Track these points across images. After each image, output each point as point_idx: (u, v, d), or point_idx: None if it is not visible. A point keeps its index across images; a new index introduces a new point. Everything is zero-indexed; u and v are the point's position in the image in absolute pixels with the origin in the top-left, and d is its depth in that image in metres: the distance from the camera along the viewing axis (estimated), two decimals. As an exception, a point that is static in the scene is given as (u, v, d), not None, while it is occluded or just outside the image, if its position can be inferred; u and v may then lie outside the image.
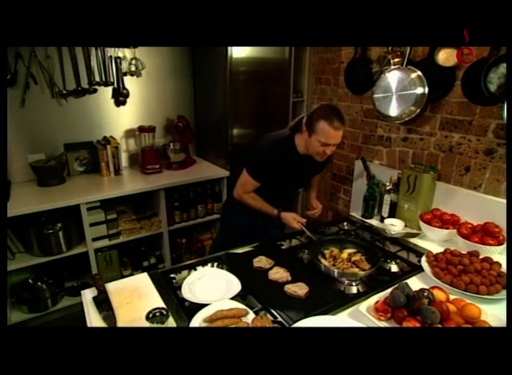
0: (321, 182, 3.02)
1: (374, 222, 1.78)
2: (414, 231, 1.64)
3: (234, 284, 1.19)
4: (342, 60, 2.18)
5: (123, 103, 2.47)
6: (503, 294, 1.13)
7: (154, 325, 0.93)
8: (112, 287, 1.20)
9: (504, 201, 1.46)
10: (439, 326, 0.95)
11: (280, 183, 1.63)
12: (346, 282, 1.25)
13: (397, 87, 1.73)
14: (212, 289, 1.19)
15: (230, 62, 2.25)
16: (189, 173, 2.47)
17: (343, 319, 1.04)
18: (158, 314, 0.95)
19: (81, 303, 1.13)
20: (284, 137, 1.55)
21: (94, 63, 2.30)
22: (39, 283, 2.11)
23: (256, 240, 1.54)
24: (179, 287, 1.17)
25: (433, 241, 1.56)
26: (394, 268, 1.37)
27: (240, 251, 1.46)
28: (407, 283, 1.08)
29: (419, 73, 1.64)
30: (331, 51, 2.59)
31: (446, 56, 1.56)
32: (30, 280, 2.11)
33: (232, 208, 1.77)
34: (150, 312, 0.96)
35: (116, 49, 2.34)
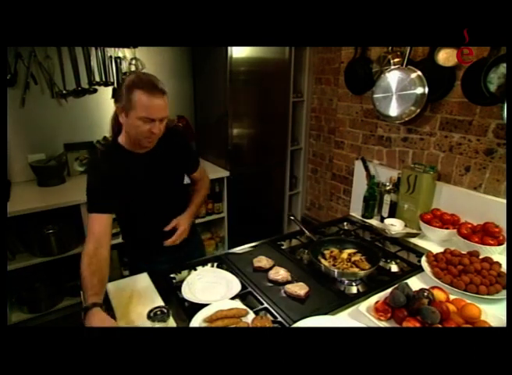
0: (320, 182, 3.02)
1: (374, 222, 1.78)
2: (414, 231, 1.64)
3: (234, 284, 1.19)
4: (342, 60, 2.18)
5: (123, 103, 2.47)
6: (503, 294, 1.13)
7: (156, 323, 0.94)
8: (112, 287, 1.20)
9: (504, 201, 1.46)
10: (439, 326, 0.95)
11: (135, 198, 1.27)
12: (346, 282, 1.25)
13: (397, 87, 1.73)
14: (212, 289, 1.19)
15: (230, 62, 2.25)
16: (189, 173, 2.47)
17: (343, 319, 1.04)
18: (159, 313, 0.96)
19: (81, 303, 1.13)
20: (108, 146, 1.29)
21: (94, 63, 2.30)
22: (39, 283, 2.11)
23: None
24: (179, 287, 1.17)
25: (433, 241, 1.56)
26: (394, 268, 1.37)
27: (239, 251, 1.46)
28: (407, 283, 1.08)
29: (419, 73, 1.64)
30: (331, 51, 2.59)
31: (446, 56, 1.56)
32: (30, 280, 2.11)
33: (143, 261, 1.40)
34: (151, 311, 0.96)
35: (116, 49, 2.35)
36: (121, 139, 1.25)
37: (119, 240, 2.21)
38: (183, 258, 1.38)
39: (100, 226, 1.15)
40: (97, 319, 0.92)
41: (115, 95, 1.20)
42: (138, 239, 1.40)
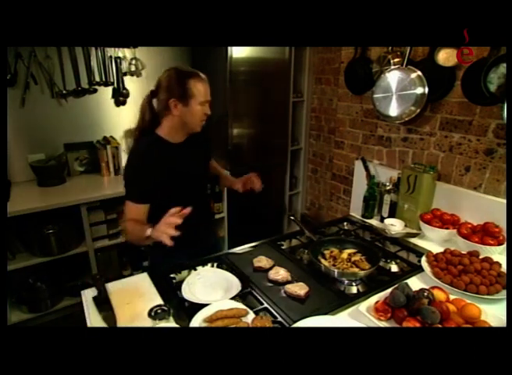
0: (320, 182, 3.02)
1: (374, 222, 1.78)
2: (414, 231, 1.64)
3: (234, 284, 1.19)
4: (342, 60, 2.18)
5: (123, 103, 2.47)
6: (503, 294, 1.13)
7: (157, 322, 0.94)
8: (112, 287, 1.20)
9: (504, 201, 1.46)
10: (439, 326, 0.95)
11: (176, 184, 1.34)
12: (346, 282, 1.25)
13: (397, 87, 1.73)
14: (212, 289, 1.19)
15: (230, 62, 2.25)
16: (189, 173, 2.47)
17: (343, 319, 1.03)
18: (159, 311, 0.96)
19: (81, 303, 1.13)
20: (148, 138, 1.32)
21: (94, 63, 2.30)
22: (39, 283, 2.11)
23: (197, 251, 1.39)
24: (179, 287, 1.17)
25: (433, 241, 1.56)
26: (394, 268, 1.37)
27: (240, 251, 1.46)
28: (407, 283, 1.08)
29: (419, 73, 1.64)
30: (331, 51, 2.59)
31: (446, 56, 1.56)
32: (30, 280, 2.11)
33: (162, 257, 1.40)
34: (151, 310, 0.96)
35: (116, 49, 2.35)
36: (161, 131, 1.31)
37: (119, 240, 2.22)
38: (202, 251, 1.41)
39: (137, 215, 1.25)
40: (159, 229, 1.10)
41: (170, 92, 1.23)
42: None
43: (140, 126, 1.33)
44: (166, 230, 1.08)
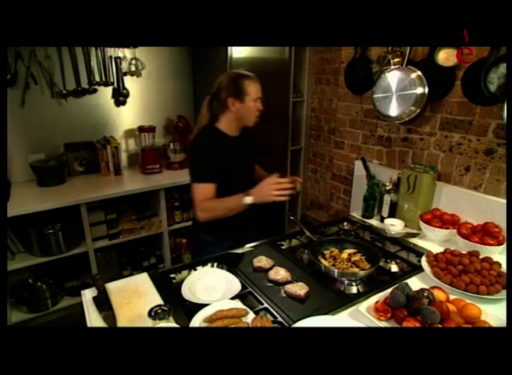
0: (320, 182, 3.02)
1: (374, 222, 1.78)
2: (414, 231, 1.64)
3: (234, 284, 1.19)
4: (342, 60, 2.18)
5: (123, 103, 2.47)
6: (503, 294, 1.13)
7: (157, 322, 0.94)
8: (112, 287, 1.20)
9: (504, 201, 1.46)
10: (439, 326, 0.95)
11: (234, 172, 1.51)
12: (346, 282, 1.25)
13: (397, 87, 1.73)
14: (212, 289, 1.19)
15: (230, 62, 2.25)
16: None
17: (343, 319, 1.04)
18: (159, 311, 0.96)
19: (81, 303, 1.13)
20: (208, 129, 1.50)
21: (94, 63, 2.30)
22: (39, 283, 2.11)
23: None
24: (179, 287, 1.17)
25: (433, 241, 1.56)
26: (394, 268, 1.37)
27: (239, 251, 1.46)
28: (407, 283, 1.08)
29: (419, 73, 1.64)
30: (331, 51, 2.59)
31: (446, 56, 1.56)
32: (30, 280, 2.11)
33: (208, 245, 1.54)
34: (151, 310, 0.96)
35: (116, 49, 2.35)
36: (220, 126, 1.49)
37: (119, 240, 2.22)
38: (247, 239, 1.54)
39: (209, 194, 1.41)
40: (262, 188, 1.34)
41: (229, 91, 1.42)
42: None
43: (201, 123, 1.53)
44: (271, 191, 1.33)
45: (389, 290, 1.08)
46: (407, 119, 1.74)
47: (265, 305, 1.11)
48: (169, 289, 1.19)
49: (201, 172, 1.45)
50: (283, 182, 1.36)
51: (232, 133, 1.52)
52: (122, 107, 2.49)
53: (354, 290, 1.23)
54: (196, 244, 1.73)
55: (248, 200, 1.35)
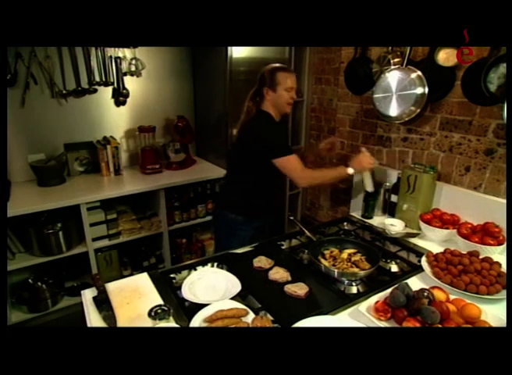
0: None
1: (374, 222, 1.78)
2: (414, 231, 1.64)
3: (234, 284, 1.19)
4: (342, 60, 2.18)
5: (123, 103, 2.47)
6: (503, 294, 1.13)
7: (157, 322, 0.94)
8: (112, 287, 1.20)
9: (504, 201, 1.46)
10: (439, 326, 0.95)
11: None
12: (346, 282, 1.25)
13: (397, 87, 1.73)
14: (212, 289, 1.19)
15: (230, 62, 2.24)
16: (189, 173, 2.47)
17: (343, 319, 1.04)
18: (159, 311, 0.96)
19: (81, 303, 1.13)
20: (263, 113, 1.64)
21: (94, 63, 2.30)
22: (39, 283, 2.11)
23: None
24: (179, 287, 1.17)
25: (433, 241, 1.56)
26: (394, 268, 1.37)
27: (239, 251, 1.46)
28: (407, 283, 1.08)
29: (419, 73, 1.64)
30: (331, 51, 2.59)
31: (446, 56, 1.56)
32: (30, 280, 2.11)
33: (237, 224, 1.69)
34: (151, 310, 0.96)
35: (116, 49, 2.34)
36: (271, 112, 1.63)
37: (119, 240, 2.22)
38: (270, 227, 1.75)
39: (300, 162, 1.57)
40: (361, 160, 1.61)
41: (262, 82, 1.60)
42: (256, 194, 1.69)
43: (249, 112, 1.67)
44: (369, 160, 1.60)
45: (389, 290, 1.08)
46: (407, 119, 1.74)
47: (265, 305, 1.11)
48: (169, 289, 1.19)
49: (285, 144, 1.61)
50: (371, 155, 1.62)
51: (277, 117, 1.65)
52: (122, 107, 2.49)
53: (354, 290, 1.23)
54: (222, 224, 1.80)
55: (350, 170, 1.58)
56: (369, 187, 1.67)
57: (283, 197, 3.05)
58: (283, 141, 1.62)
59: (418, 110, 1.69)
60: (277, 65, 1.62)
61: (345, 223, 1.79)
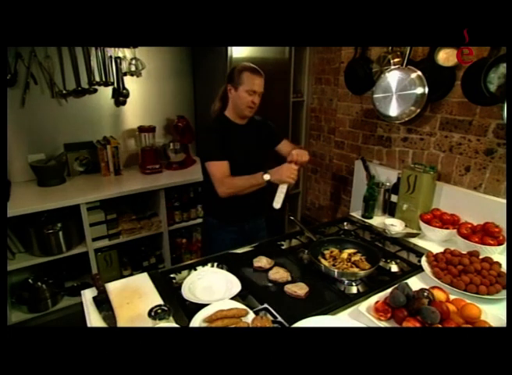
0: (320, 182, 3.02)
1: (374, 222, 1.78)
2: (414, 231, 1.64)
3: (234, 284, 1.19)
4: (342, 60, 2.18)
5: (123, 103, 2.47)
6: (503, 294, 1.13)
7: (158, 322, 0.94)
8: (112, 287, 1.20)
9: (504, 201, 1.46)
10: (439, 326, 0.95)
11: (238, 159, 1.55)
12: (346, 282, 1.25)
13: (397, 87, 1.73)
14: (212, 289, 1.19)
15: (230, 62, 2.24)
16: (189, 173, 2.47)
17: (343, 319, 1.04)
18: (159, 311, 0.96)
19: (81, 303, 1.13)
20: (217, 116, 1.63)
21: (94, 63, 2.30)
22: (39, 283, 2.11)
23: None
24: (179, 287, 1.17)
25: (433, 241, 1.56)
26: (394, 268, 1.37)
27: (239, 251, 1.46)
28: (407, 283, 1.08)
29: (419, 73, 1.64)
30: (331, 51, 2.59)
31: (446, 56, 1.56)
32: (30, 280, 2.11)
33: (214, 228, 1.69)
34: (151, 310, 0.96)
35: (116, 49, 2.35)
36: (227, 113, 1.60)
37: (119, 240, 2.22)
38: (249, 232, 1.67)
39: (225, 170, 1.49)
40: (281, 170, 1.44)
41: (228, 78, 1.55)
42: (229, 199, 1.54)
43: (213, 112, 1.66)
44: (290, 174, 1.43)
45: (389, 290, 1.08)
46: (407, 119, 1.74)
47: (265, 305, 1.11)
48: (169, 289, 1.19)
49: (214, 150, 1.52)
50: (297, 169, 1.48)
51: (238, 121, 1.60)
52: (122, 107, 2.49)
53: (354, 290, 1.23)
54: (204, 227, 1.82)
55: (267, 177, 1.43)
56: (277, 204, 1.45)
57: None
58: (213, 146, 1.52)
59: (418, 110, 1.69)
60: (248, 64, 1.54)
61: (345, 223, 1.79)
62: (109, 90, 2.41)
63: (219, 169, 1.50)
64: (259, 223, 1.78)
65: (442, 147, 1.71)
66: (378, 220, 1.78)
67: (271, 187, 1.49)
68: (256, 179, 1.45)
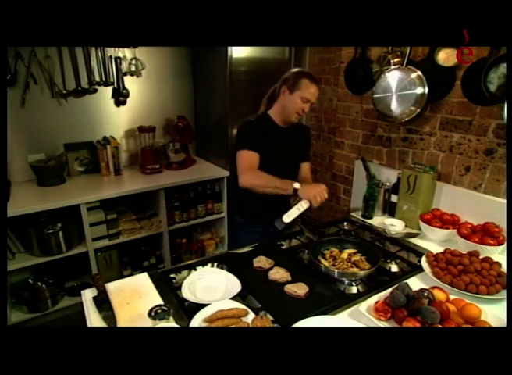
0: (320, 182, 3.02)
1: (374, 222, 1.78)
2: (414, 231, 1.64)
3: (234, 284, 1.19)
4: (342, 60, 2.18)
5: (123, 103, 2.47)
6: (503, 294, 1.13)
7: (157, 322, 0.94)
8: (112, 287, 1.20)
9: (504, 201, 1.46)
10: (439, 326, 0.95)
11: (271, 160, 1.54)
12: (346, 282, 1.25)
13: (397, 87, 1.73)
14: (212, 289, 1.19)
15: (230, 62, 2.24)
16: (189, 173, 2.47)
17: (343, 319, 1.04)
18: (159, 311, 0.96)
19: (81, 303, 1.13)
20: (260, 114, 1.63)
21: (94, 63, 2.30)
22: (39, 283, 2.10)
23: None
24: (179, 287, 1.17)
25: (433, 241, 1.56)
26: (394, 268, 1.37)
27: (239, 251, 1.46)
28: (407, 283, 1.08)
29: (419, 73, 1.64)
30: (331, 51, 2.59)
31: (446, 56, 1.56)
32: (30, 280, 2.11)
33: (240, 228, 1.73)
34: (151, 310, 0.96)
35: (116, 49, 2.34)
36: (271, 112, 1.60)
37: (119, 240, 2.22)
38: (272, 236, 1.61)
39: (254, 162, 1.47)
40: (312, 190, 1.39)
41: (285, 80, 1.53)
42: (256, 200, 1.56)
43: (260, 109, 1.65)
44: (319, 196, 1.39)
45: (389, 290, 1.08)
46: (407, 119, 1.74)
47: (265, 305, 1.11)
48: (169, 289, 1.19)
49: (248, 140, 1.51)
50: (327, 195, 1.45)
51: (280, 123, 1.60)
52: (122, 107, 2.49)
53: (354, 290, 1.23)
54: (233, 226, 1.84)
55: (297, 185, 1.40)
56: (288, 218, 1.36)
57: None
58: (249, 137, 1.51)
59: (418, 110, 1.69)
60: (308, 71, 1.59)
61: (345, 223, 1.79)
62: (109, 90, 2.41)
63: (248, 158, 1.48)
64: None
65: (442, 147, 1.71)
66: (378, 220, 1.78)
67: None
68: (284, 183, 1.42)
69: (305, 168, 1.73)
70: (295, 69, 1.57)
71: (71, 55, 2.22)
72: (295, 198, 1.46)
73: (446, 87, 1.61)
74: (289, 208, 1.42)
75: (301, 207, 1.38)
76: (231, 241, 1.85)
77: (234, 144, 1.60)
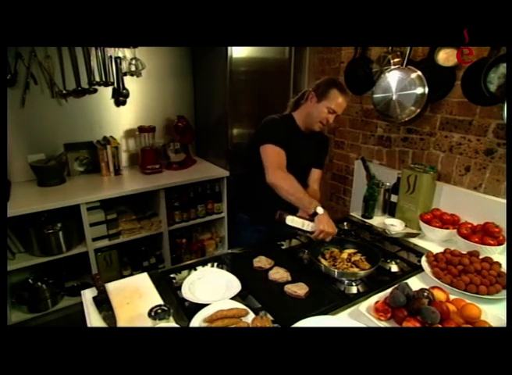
0: (321, 182, 3.02)
1: (374, 222, 1.78)
2: (414, 231, 1.64)
3: (234, 284, 1.19)
4: (342, 60, 2.18)
5: (123, 103, 2.47)
6: (503, 294, 1.13)
7: (157, 322, 0.94)
8: (112, 287, 1.20)
9: (504, 201, 1.46)
10: (439, 326, 0.95)
11: (288, 161, 1.49)
12: (346, 282, 1.25)
13: (397, 87, 1.73)
14: (212, 289, 1.19)
15: (230, 62, 2.24)
16: (189, 173, 2.47)
17: (343, 319, 1.04)
18: (159, 311, 0.96)
19: (81, 303, 1.13)
20: (285, 115, 1.62)
21: (94, 63, 2.30)
22: (39, 283, 2.10)
23: None
24: (179, 287, 1.17)
25: (433, 241, 1.56)
26: (394, 268, 1.37)
27: (240, 251, 1.46)
28: (407, 283, 1.08)
29: (419, 73, 1.64)
30: (331, 51, 2.59)
31: (446, 56, 1.56)
32: (30, 280, 2.11)
33: (243, 225, 1.70)
34: (151, 310, 0.96)
35: (116, 49, 2.34)
36: (297, 117, 1.59)
37: (119, 240, 2.22)
38: (279, 231, 1.54)
39: (282, 159, 1.44)
40: (325, 221, 1.31)
41: (316, 86, 1.51)
42: (263, 198, 1.53)
43: (286, 111, 1.65)
44: (325, 234, 1.31)
45: (389, 290, 1.08)
46: (406, 119, 1.74)
47: (265, 305, 1.11)
48: (169, 289, 1.19)
49: (274, 135, 1.47)
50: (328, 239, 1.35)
51: (303, 128, 1.58)
52: (122, 107, 2.49)
53: (354, 290, 1.23)
54: (235, 223, 1.80)
55: (320, 210, 1.33)
56: (290, 222, 1.36)
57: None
58: (276, 133, 1.48)
59: (418, 110, 1.69)
60: (340, 82, 1.56)
61: (345, 223, 1.79)
62: (109, 90, 2.41)
63: (276, 154, 1.44)
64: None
65: (442, 147, 1.71)
66: (378, 220, 1.78)
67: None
68: (309, 202, 1.36)
69: (316, 174, 1.71)
70: (327, 78, 1.55)
71: (71, 55, 2.22)
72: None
73: (446, 87, 1.61)
74: (297, 210, 1.42)
75: (306, 226, 1.35)
76: (231, 241, 1.82)
77: (257, 138, 1.54)
